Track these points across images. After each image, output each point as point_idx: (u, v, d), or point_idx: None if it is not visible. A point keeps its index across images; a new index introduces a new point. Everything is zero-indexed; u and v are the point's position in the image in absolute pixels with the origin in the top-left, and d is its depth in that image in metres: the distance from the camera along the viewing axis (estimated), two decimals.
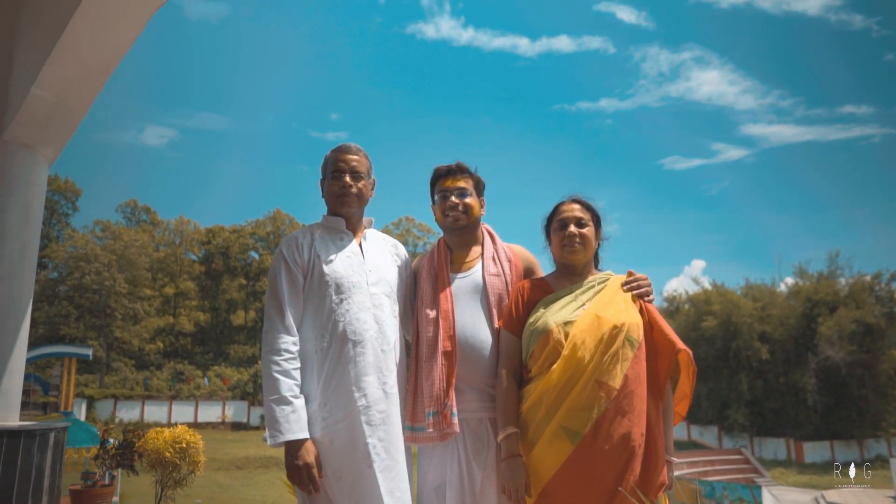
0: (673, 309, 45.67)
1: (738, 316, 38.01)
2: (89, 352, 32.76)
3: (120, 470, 4.81)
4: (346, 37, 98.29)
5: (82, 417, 32.37)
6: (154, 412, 36.04)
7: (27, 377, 34.61)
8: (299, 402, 2.11)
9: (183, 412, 36.85)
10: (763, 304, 39.06)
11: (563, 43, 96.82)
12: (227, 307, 51.19)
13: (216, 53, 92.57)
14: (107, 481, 5.11)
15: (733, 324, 37.95)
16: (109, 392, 36.54)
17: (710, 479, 25.04)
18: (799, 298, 38.37)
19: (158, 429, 3.85)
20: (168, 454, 3.67)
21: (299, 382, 2.15)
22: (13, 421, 4.13)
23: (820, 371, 35.32)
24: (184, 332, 48.51)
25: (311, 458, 2.06)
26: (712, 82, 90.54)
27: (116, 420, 33.95)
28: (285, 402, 2.08)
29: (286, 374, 2.12)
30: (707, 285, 43.55)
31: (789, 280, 42.23)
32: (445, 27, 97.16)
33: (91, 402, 34.99)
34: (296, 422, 2.07)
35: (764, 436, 36.05)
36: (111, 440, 4.72)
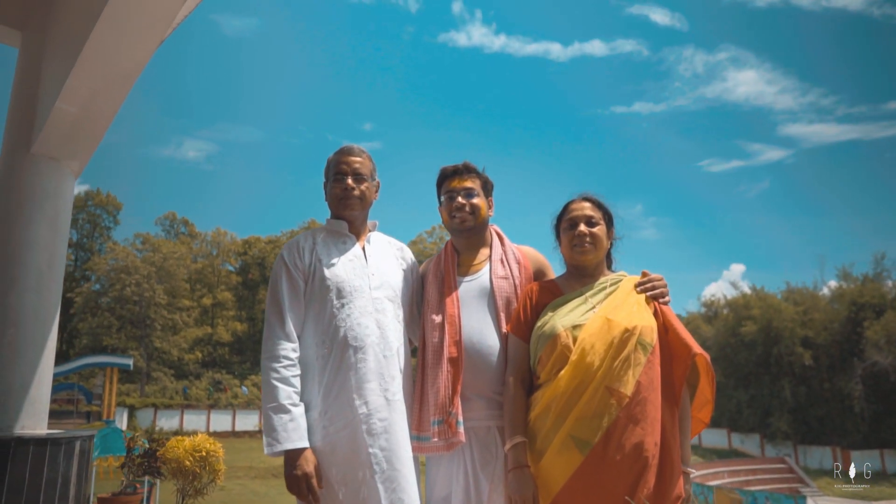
0: (711, 314, 44.83)
1: (779, 321, 37.07)
2: (130, 362, 33.50)
3: (158, 478, 4.85)
4: (379, 47, 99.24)
5: (124, 426, 33.05)
6: (193, 421, 36.56)
7: (71, 386, 35.56)
8: (298, 411, 2.05)
9: (221, 421, 37.31)
10: (805, 309, 38.04)
11: (595, 47, 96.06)
12: (263, 317, 51.73)
13: (251, 67, 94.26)
14: (145, 489, 5.18)
15: (774, 329, 37.02)
16: (150, 401, 37.24)
17: (752, 488, 24.34)
18: (843, 302, 37.25)
19: (179, 437, 3.86)
20: (188, 463, 3.67)
21: (298, 390, 2.10)
22: (41, 429, 4.19)
23: (867, 377, 34.16)
24: (221, 341, 49.22)
25: (310, 468, 2.00)
26: (749, 82, 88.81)
27: (157, 429, 34.56)
28: (283, 410, 2.03)
29: (285, 381, 2.06)
30: (746, 290, 42.60)
31: (833, 283, 41.09)
32: (477, 35, 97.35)
33: (132, 411, 35.69)
34: (294, 430, 2.01)
35: (808, 444, 34.98)
36: (138, 449, 4.78)
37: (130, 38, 3.67)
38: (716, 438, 37.26)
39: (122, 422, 33.58)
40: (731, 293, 44.47)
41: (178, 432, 30.84)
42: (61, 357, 39.78)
